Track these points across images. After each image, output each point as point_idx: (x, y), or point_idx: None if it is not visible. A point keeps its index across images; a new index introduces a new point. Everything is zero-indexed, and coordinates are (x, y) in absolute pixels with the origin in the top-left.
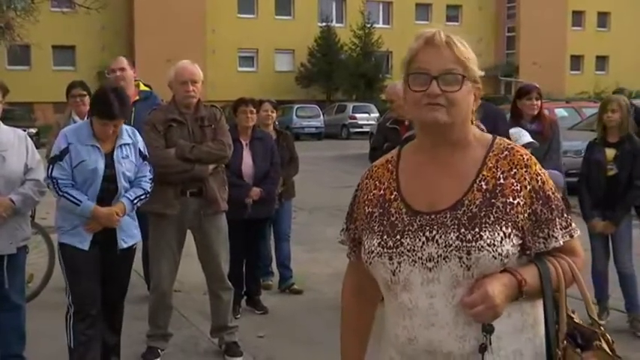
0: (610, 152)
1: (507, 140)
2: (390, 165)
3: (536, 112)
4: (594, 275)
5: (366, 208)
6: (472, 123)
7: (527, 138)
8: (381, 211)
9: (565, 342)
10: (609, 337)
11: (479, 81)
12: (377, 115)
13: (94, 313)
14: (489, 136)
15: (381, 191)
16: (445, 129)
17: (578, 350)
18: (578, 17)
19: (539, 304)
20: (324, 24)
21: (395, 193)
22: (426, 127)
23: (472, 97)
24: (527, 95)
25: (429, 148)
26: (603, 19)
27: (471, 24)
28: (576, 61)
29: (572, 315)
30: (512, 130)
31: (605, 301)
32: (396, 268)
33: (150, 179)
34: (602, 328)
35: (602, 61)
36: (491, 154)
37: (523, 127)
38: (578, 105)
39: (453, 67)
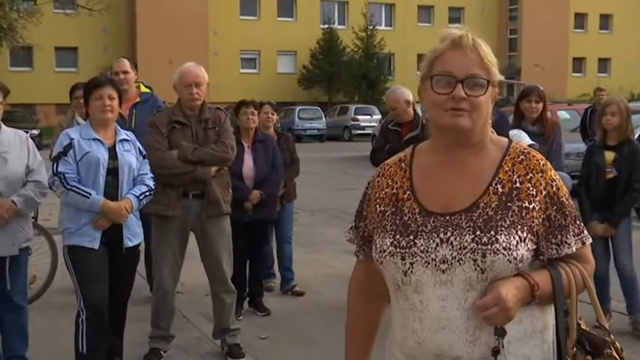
0: (609, 155)
1: (523, 145)
2: (403, 164)
3: (535, 115)
4: (595, 278)
5: (378, 206)
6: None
7: (526, 140)
8: (393, 209)
9: (574, 349)
10: (619, 346)
11: (496, 85)
12: (379, 117)
13: (105, 316)
14: (505, 139)
15: (394, 190)
16: (466, 133)
17: (589, 358)
18: (580, 19)
19: (549, 310)
20: (326, 26)
21: (408, 192)
22: (445, 130)
23: (491, 100)
24: (527, 97)
25: (444, 149)
26: (605, 21)
27: (473, 26)
28: (578, 64)
29: (580, 322)
30: (511, 132)
31: (606, 303)
32: (408, 268)
33: (151, 177)
34: (612, 337)
35: (604, 64)
36: (507, 157)
37: (525, 129)
38: (581, 107)
39: (479, 72)
